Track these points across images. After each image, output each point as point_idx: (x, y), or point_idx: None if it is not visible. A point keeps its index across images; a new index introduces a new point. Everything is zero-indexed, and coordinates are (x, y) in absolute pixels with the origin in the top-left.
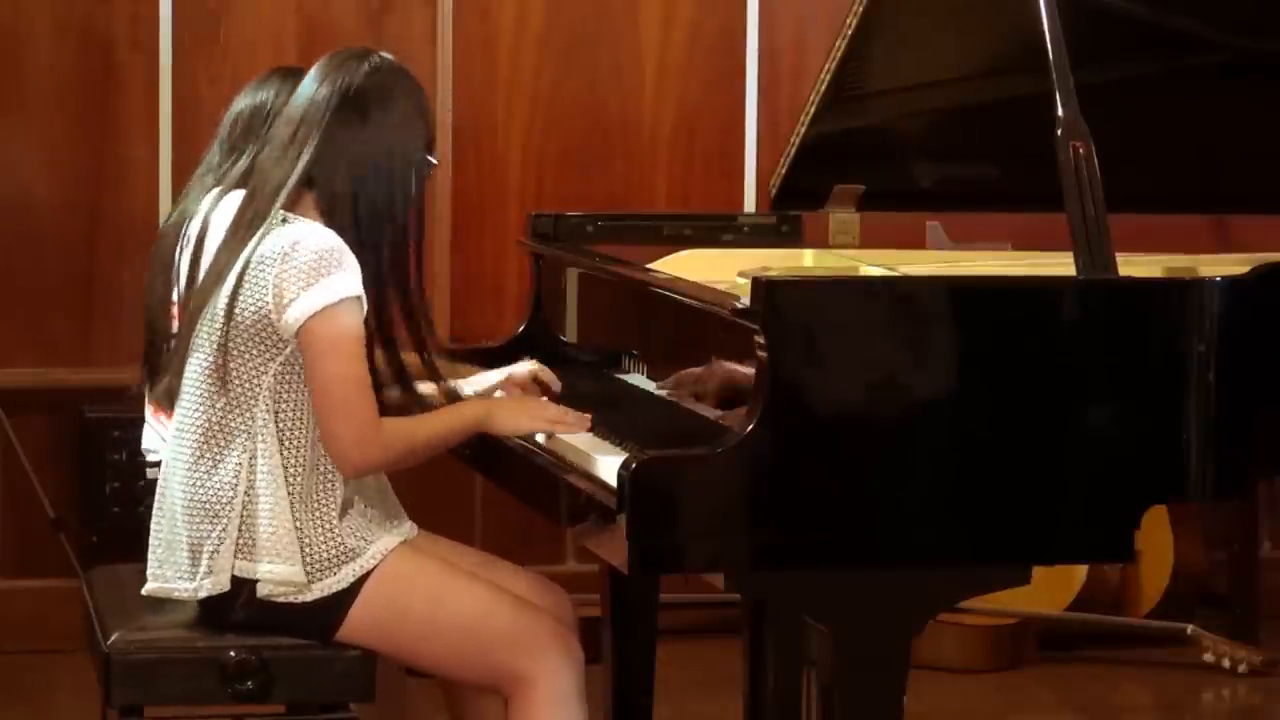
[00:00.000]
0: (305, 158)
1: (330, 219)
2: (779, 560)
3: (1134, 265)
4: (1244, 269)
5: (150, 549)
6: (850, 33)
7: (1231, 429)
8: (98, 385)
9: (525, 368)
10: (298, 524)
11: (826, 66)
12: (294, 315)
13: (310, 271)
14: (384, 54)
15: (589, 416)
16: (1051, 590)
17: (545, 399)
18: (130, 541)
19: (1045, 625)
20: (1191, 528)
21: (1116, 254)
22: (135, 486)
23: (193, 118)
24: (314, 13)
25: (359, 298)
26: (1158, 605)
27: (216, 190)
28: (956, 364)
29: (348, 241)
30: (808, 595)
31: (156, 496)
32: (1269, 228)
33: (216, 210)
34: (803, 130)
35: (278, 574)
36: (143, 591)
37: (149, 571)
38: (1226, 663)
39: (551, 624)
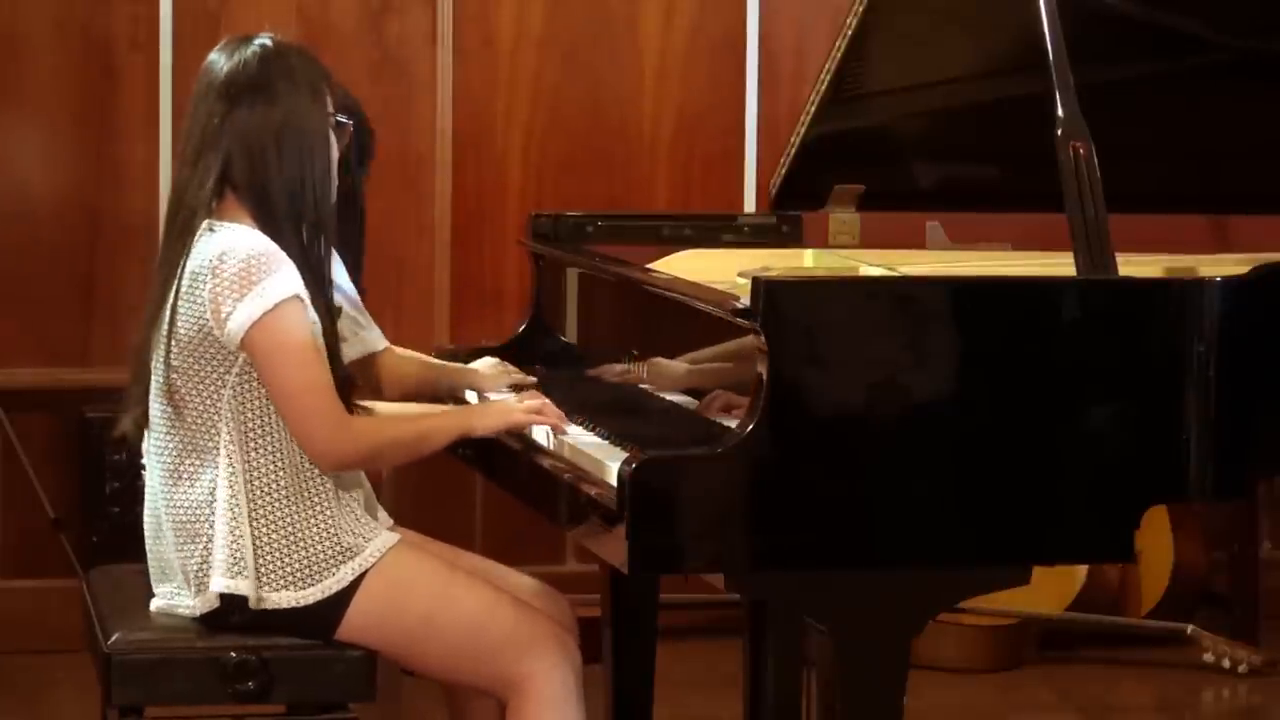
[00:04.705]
0: (216, 162)
1: (259, 217)
2: (779, 560)
3: (1134, 265)
4: (1244, 269)
5: (150, 569)
6: (850, 33)
7: (1231, 429)
8: (98, 385)
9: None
10: (290, 529)
11: (826, 67)
12: (234, 327)
13: (241, 281)
14: (267, 35)
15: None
16: (1051, 590)
17: (522, 395)
18: (130, 541)
19: (1045, 625)
20: (1191, 528)
21: (1116, 254)
22: (135, 486)
23: None
24: (314, 13)
25: (296, 296)
26: (1158, 605)
27: None
28: (957, 364)
29: (282, 236)
30: (808, 595)
31: (146, 518)
32: (1269, 228)
33: None
34: (803, 130)
35: (266, 584)
36: (151, 609)
37: (154, 588)
38: (1226, 663)
39: (550, 626)
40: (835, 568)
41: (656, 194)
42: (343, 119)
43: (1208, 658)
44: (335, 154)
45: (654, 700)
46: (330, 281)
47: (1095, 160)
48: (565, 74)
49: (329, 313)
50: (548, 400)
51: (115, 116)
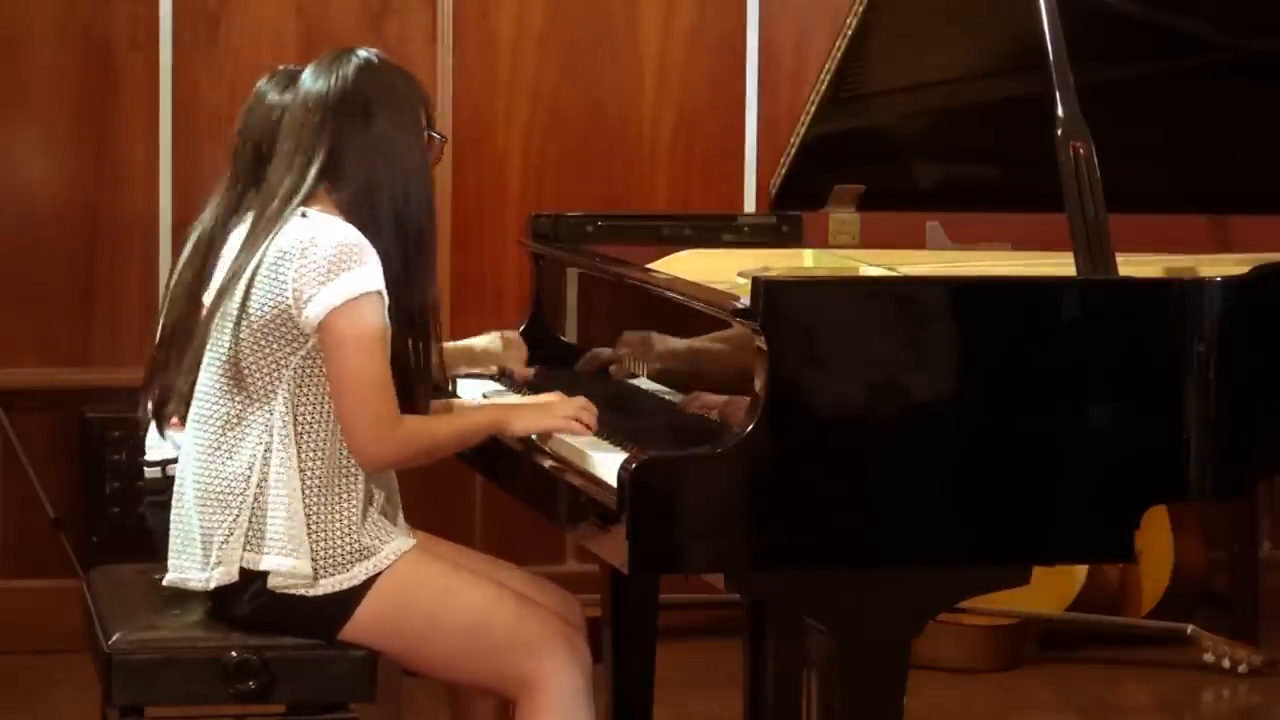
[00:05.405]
0: (315, 164)
1: (352, 217)
2: (779, 560)
3: (1134, 265)
4: (1244, 269)
5: (170, 541)
6: (850, 33)
7: (1232, 429)
8: (98, 385)
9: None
10: (313, 517)
11: (826, 66)
12: (314, 310)
13: (330, 266)
14: (370, 51)
15: (595, 411)
16: (1051, 590)
17: (557, 394)
18: (130, 541)
19: (1045, 625)
20: (1191, 528)
21: (1116, 254)
22: (135, 486)
23: (193, 118)
24: (314, 13)
25: (379, 293)
26: (1158, 605)
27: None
28: (957, 364)
29: (371, 239)
30: (808, 595)
31: (175, 488)
32: (1269, 228)
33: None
34: (803, 130)
35: (286, 566)
36: (164, 582)
37: (169, 562)
38: (1226, 663)
39: (557, 623)
40: (835, 568)
41: (656, 194)
42: (436, 134)
43: (1208, 658)
44: (429, 170)
45: (654, 700)
46: (427, 291)
47: (1095, 160)
48: (565, 74)
49: (421, 323)
50: (589, 403)
51: (115, 116)
